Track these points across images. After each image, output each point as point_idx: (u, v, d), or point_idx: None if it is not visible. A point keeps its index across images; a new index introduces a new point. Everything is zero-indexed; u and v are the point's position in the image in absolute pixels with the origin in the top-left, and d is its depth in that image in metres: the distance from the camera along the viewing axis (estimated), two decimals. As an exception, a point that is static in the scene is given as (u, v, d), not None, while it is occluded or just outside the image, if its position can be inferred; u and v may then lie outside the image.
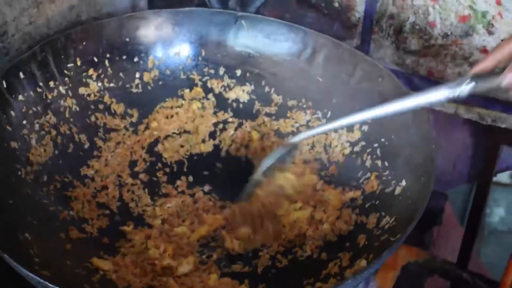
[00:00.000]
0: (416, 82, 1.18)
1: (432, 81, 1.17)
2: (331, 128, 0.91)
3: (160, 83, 1.10)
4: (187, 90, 1.10)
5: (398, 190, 0.90)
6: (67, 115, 1.00)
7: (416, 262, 1.22)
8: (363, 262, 0.82)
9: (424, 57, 1.15)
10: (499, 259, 1.61)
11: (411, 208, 0.84)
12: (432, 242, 1.40)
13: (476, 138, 1.29)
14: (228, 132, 1.08)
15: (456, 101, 0.92)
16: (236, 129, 1.08)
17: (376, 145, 0.97)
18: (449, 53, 1.13)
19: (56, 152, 0.97)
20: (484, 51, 1.09)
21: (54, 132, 0.98)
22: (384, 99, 0.96)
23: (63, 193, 0.95)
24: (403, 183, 0.90)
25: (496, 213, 1.90)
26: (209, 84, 1.10)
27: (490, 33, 1.07)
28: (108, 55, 1.06)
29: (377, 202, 0.92)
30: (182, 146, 1.07)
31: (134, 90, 1.08)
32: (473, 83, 0.75)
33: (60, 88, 1.00)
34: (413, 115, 0.91)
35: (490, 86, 0.75)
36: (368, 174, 0.96)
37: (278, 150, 0.92)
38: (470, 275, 1.28)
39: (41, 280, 0.70)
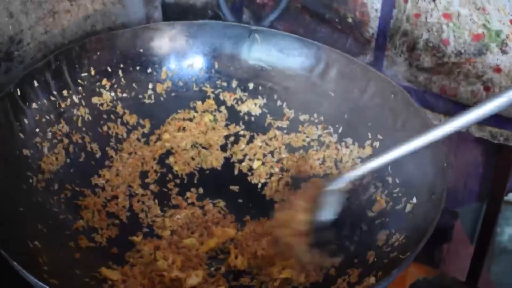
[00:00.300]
0: (429, 100, 1.18)
1: (445, 98, 1.17)
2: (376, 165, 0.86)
3: (173, 94, 1.10)
4: (199, 102, 1.10)
5: (408, 208, 0.90)
6: (79, 124, 1.01)
7: (425, 280, 1.21)
8: (372, 279, 0.82)
9: (437, 74, 1.15)
10: (509, 278, 1.60)
11: (422, 225, 0.84)
12: (441, 259, 1.39)
13: (487, 156, 1.28)
14: (239, 146, 1.08)
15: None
16: (247, 143, 1.08)
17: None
18: (462, 71, 1.13)
19: (68, 160, 0.98)
20: (497, 70, 1.09)
21: (66, 141, 0.98)
22: (395, 116, 0.97)
23: (73, 202, 0.95)
24: (414, 200, 0.89)
25: (506, 232, 1.89)
26: (221, 97, 1.11)
27: (503, 52, 1.07)
28: (122, 66, 1.06)
29: (387, 219, 0.92)
30: (193, 159, 1.07)
31: (146, 101, 1.08)
32: None
33: (74, 97, 1.01)
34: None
35: None
36: (378, 191, 0.96)
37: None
38: (479, 294, 1.28)
39: (50, 289, 0.70)
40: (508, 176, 1.23)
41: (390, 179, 0.95)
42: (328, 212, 0.87)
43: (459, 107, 1.17)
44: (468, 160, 1.30)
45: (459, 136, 1.18)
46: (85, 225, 0.94)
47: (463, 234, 1.67)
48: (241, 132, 1.10)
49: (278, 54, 1.10)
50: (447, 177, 0.86)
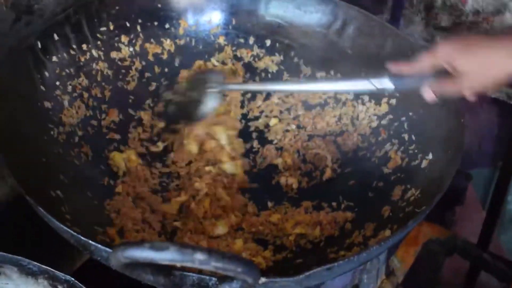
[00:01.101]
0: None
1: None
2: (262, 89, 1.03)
3: (190, 50, 1.12)
4: (217, 55, 1.11)
5: (424, 163, 0.92)
6: (99, 79, 1.02)
7: (438, 240, 1.23)
8: (387, 232, 0.84)
9: (454, 33, 1.16)
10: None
11: (437, 181, 0.85)
12: (453, 221, 1.41)
13: (502, 118, 1.29)
14: (256, 103, 1.10)
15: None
16: (264, 100, 1.10)
17: (403, 119, 0.99)
18: (480, 30, 1.14)
19: (87, 114, 0.99)
20: (516, 29, 1.10)
21: (86, 95, 1.00)
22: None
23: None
24: (430, 156, 0.91)
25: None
26: (238, 53, 1.12)
27: (522, 11, 1.08)
28: (140, 21, 1.07)
29: (403, 175, 0.94)
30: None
31: (165, 57, 1.09)
32: (392, 84, 0.82)
33: (93, 51, 1.02)
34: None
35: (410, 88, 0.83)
36: (394, 147, 0.98)
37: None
38: (491, 255, 1.29)
39: (75, 234, 0.73)
40: (523, 137, 1.25)
41: (406, 136, 0.97)
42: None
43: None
44: (483, 122, 1.31)
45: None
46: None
47: (475, 198, 1.69)
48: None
49: (295, 10, 1.10)
50: (464, 134, 0.88)
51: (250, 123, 1.09)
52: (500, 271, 1.28)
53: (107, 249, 0.69)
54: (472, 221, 1.52)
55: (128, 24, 1.06)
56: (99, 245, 0.70)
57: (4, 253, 0.77)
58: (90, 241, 0.72)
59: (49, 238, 1.06)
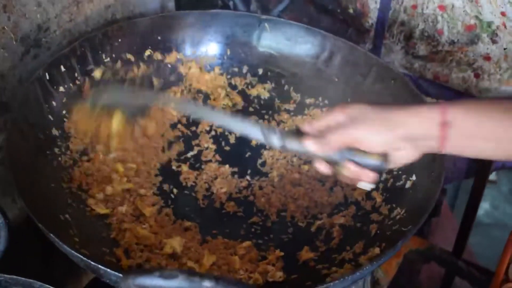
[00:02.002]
0: (423, 85, 1.18)
1: (438, 84, 1.17)
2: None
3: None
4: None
5: (408, 184, 0.90)
6: (103, 107, 1.00)
7: (418, 250, 1.23)
8: (377, 250, 0.82)
9: (431, 62, 1.16)
10: (485, 249, 1.62)
11: (422, 202, 0.85)
12: (430, 232, 1.41)
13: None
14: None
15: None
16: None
17: None
18: (455, 59, 1.13)
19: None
20: (487, 58, 1.09)
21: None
22: (395, 100, 0.97)
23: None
24: (414, 178, 0.90)
25: (482, 207, 1.91)
26: (233, 82, 1.11)
27: (494, 42, 1.07)
28: (141, 52, 1.05)
29: (388, 195, 0.92)
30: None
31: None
32: (282, 141, 0.73)
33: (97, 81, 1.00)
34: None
35: (296, 147, 0.73)
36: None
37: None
38: (465, 263, 1.29)
39: (85, 259, 0.70)
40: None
41: None
42: None
43: (450, 92, 1.17)
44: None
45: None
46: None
47: (448, 209, 1.69)
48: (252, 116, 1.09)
49: (286, 42, 1.10)
50: (444, 156, 0.87)
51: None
52: (473, 277, 1.28)
53: (118, 274, 0.66)
54: (446, 230, 1.52)
55: (130, 55, 1.04)
56: (108, 270, 0.68)
57: (17, 277, 0.74)
58: (100, 266, 0.70)
59: (55, 257, 1.04)
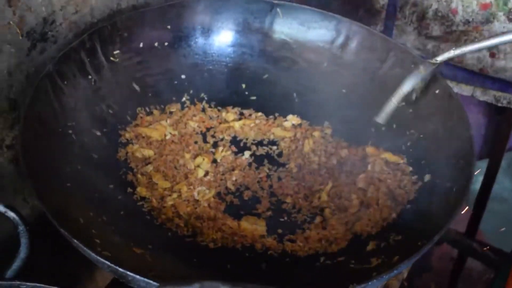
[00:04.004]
0: (436, 66, 1.14)
1: (451, 65, 1.14)
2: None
3: (199, 68, 1.05)
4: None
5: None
6: (114, 101, 0.96)
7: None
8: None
9: (445, 42, 1.12)
10: (484, 223, 1.61)
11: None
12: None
13: (489, 118, 1.26)
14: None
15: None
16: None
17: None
18: (469, 39, 1.10)
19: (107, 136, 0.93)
20: (504, 37, 1.05)
21: (104, 117, 0.93)
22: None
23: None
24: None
25: (479, 181, 1.90)
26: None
27: (510, 20, 1.04)
28: (150, 42, 1.01)
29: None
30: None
31: (176, 75, 1.03)
32: None
33: (107, 74, 0.95)
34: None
35: None
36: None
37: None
38: (479, 244, 1.27)
39: (112, 265, 0.66)
40: (509, 136, 1.21)
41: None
42: None
43: (464, 72, 1.14)
44: (472, 122, 1.27)
45: (464, 99, 1.16)
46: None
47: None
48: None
49: (299, 27, 1.05)
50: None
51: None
52: (487, 258, 1.26)
53: (153, 282, 0.62)
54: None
55: (139, 46, 0.99)
56: (141, 277, 0.64)
57: (40, 284, 0.70)
58: (128, 272, 0.66)
59: (67, 257, 1.00)
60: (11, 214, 0.70)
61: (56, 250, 1.01)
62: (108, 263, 0.67)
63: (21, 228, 0.70)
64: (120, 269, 0.66)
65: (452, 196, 0.79)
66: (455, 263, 1.42)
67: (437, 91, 0.91)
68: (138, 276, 0.65)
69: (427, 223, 0.81)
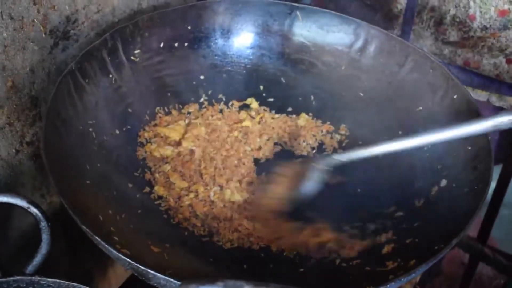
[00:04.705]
0: (452, 72, 1.14)
1: (468, 71, 1.14)
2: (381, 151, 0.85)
3: (218, 69, 1.06)
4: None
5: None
6: (134, 100, 0.96)
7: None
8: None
9: (462, 48, 1.12)
10: (502, 231, 1.60)
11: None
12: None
13: (504, 124, 1.25)
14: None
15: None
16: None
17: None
18: (486, 45, 1.09)
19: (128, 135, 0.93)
20: (521, 44, 1.05)
21: (125, 116, 0.94)
22: (434, 90, 0.93)
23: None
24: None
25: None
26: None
27: (528, 27, 1.04)
28: (171, 42, 1.01)
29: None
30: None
31: (194, 76, 1.03)
32: None
33: (128, 73, 0.96)
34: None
35: None
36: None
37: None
38: (491, 250, 1.26)
39: (133, 263, 0.67)
40: (523, 141, 1.21)
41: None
42: (309, 186, 0.86)
43: (480, 78, 1.13)
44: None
45: (479, 105, 1.15)
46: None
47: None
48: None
49: (318, 30, 1.05)
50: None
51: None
52: (499, 263, 1.26)
53: (175, 281, 0.62)
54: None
55: (160, 46, 1.00)
56: (158, 274, 0.65)
57: (60, 280, 0.71)
58: (149, 270, 0.66)
59: (81, 256, 1.01)
60: (33, 210, 0.70)
61: (69, 247, 1.02)
62: (130, 260, 0.67)
63: (43, 224, 0.70)
64: (141, 267, 0.66)
65: (470, 201, 0.79)
66: (466, 267, 1.41)
67: (455, 96, 0.91)
68: (159, 274, 0.65)
69: (443, 227, 0.80)
